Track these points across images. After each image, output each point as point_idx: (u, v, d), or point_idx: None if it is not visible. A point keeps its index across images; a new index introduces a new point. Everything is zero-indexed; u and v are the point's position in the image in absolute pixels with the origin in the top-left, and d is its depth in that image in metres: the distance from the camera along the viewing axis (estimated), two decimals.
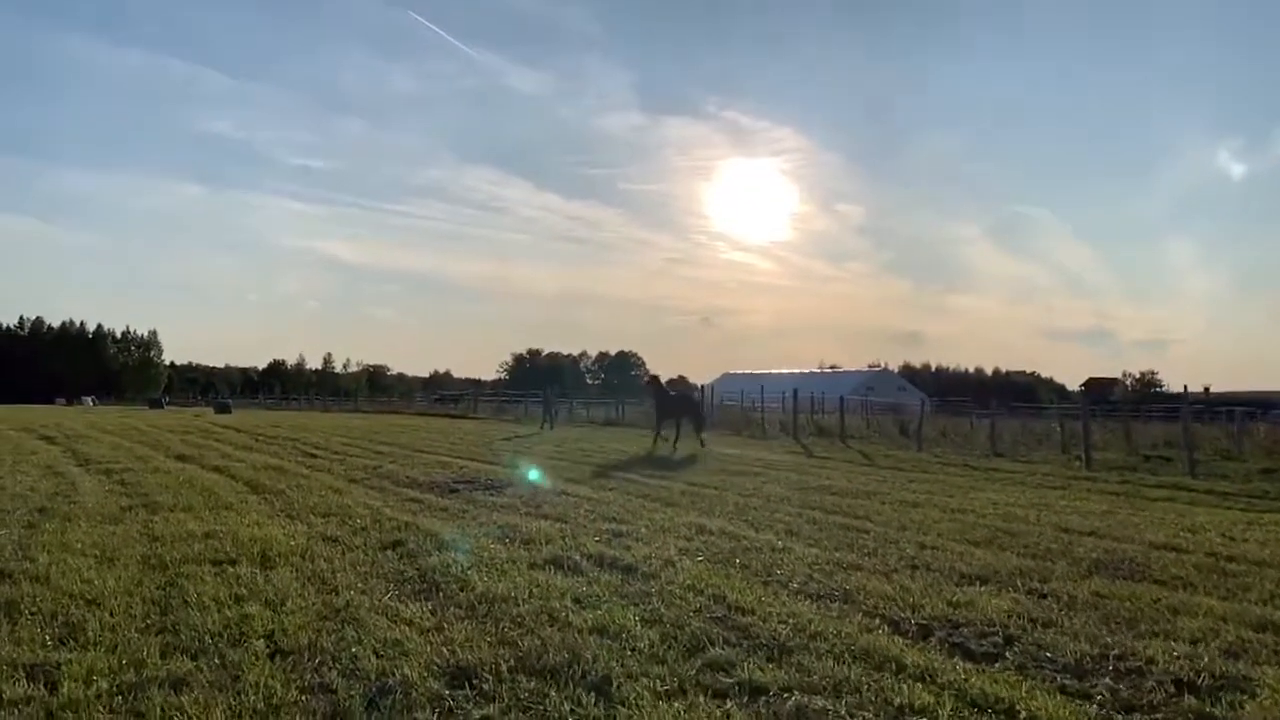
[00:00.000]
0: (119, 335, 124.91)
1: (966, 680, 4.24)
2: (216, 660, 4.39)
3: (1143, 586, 6.56)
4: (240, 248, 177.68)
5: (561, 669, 4.28)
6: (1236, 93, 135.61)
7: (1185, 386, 22.36)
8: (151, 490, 10.96)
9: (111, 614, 5.16)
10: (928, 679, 4.26)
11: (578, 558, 7.05)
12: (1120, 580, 6.78)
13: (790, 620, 5.24)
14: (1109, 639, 5.08)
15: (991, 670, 4.49)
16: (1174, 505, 11.97)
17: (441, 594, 5.85)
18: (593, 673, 4.23)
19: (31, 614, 5.15)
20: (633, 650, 4.62)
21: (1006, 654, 4.76)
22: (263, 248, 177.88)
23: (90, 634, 4.78)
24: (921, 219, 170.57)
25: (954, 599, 5.98)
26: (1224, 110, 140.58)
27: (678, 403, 21.98)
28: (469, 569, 6.54)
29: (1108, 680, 4.37)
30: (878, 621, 5.35)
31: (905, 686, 4.12)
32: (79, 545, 7.25)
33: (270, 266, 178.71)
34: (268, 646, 4.61)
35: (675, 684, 4.14)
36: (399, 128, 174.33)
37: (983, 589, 6.39)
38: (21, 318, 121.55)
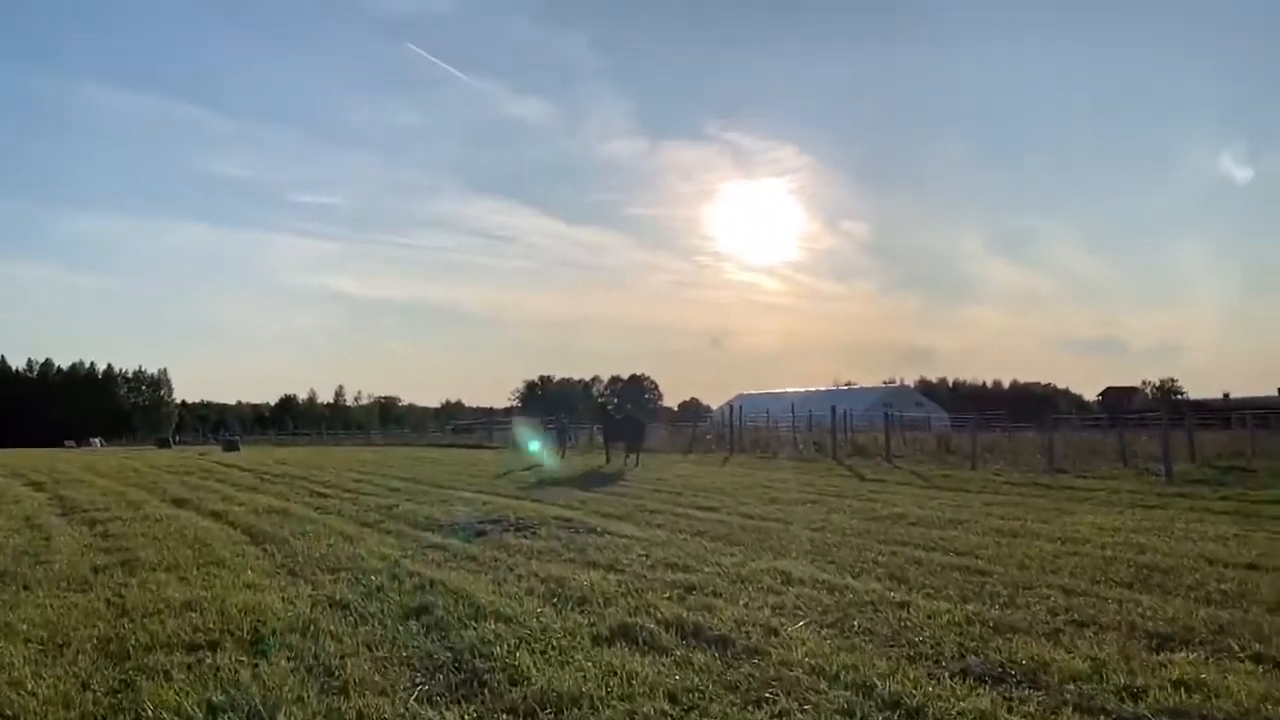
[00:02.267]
0: (129, 375, 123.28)
1: None
2: None
3: None
4: (250, 285, 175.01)
5: None
6: (1242, 95, 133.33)
7: None
8: (135, 544, 9.49)
9: None
10: None
11: (652, 626, 5.54)
12: None
13: None
14: None
15: None
16: None
17: (488, 691, 4.35)
18: None
19: None
20: None
21: None
22: (272, 285, 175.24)
23: None
24: (928, 233, 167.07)
25: (1173, 675, 4.46)
26: (1230, 113, 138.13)
27: (620, 425, 25.82)
28: (518, 648, 5.04)
29: None
30: None
31: None
32: (25, 627, 5.78)
33: (280, 303, 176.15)
34: None
35: None
36: (405, 161, 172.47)
37: (1193, 656, 4.87)
38: (30, 360, 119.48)
